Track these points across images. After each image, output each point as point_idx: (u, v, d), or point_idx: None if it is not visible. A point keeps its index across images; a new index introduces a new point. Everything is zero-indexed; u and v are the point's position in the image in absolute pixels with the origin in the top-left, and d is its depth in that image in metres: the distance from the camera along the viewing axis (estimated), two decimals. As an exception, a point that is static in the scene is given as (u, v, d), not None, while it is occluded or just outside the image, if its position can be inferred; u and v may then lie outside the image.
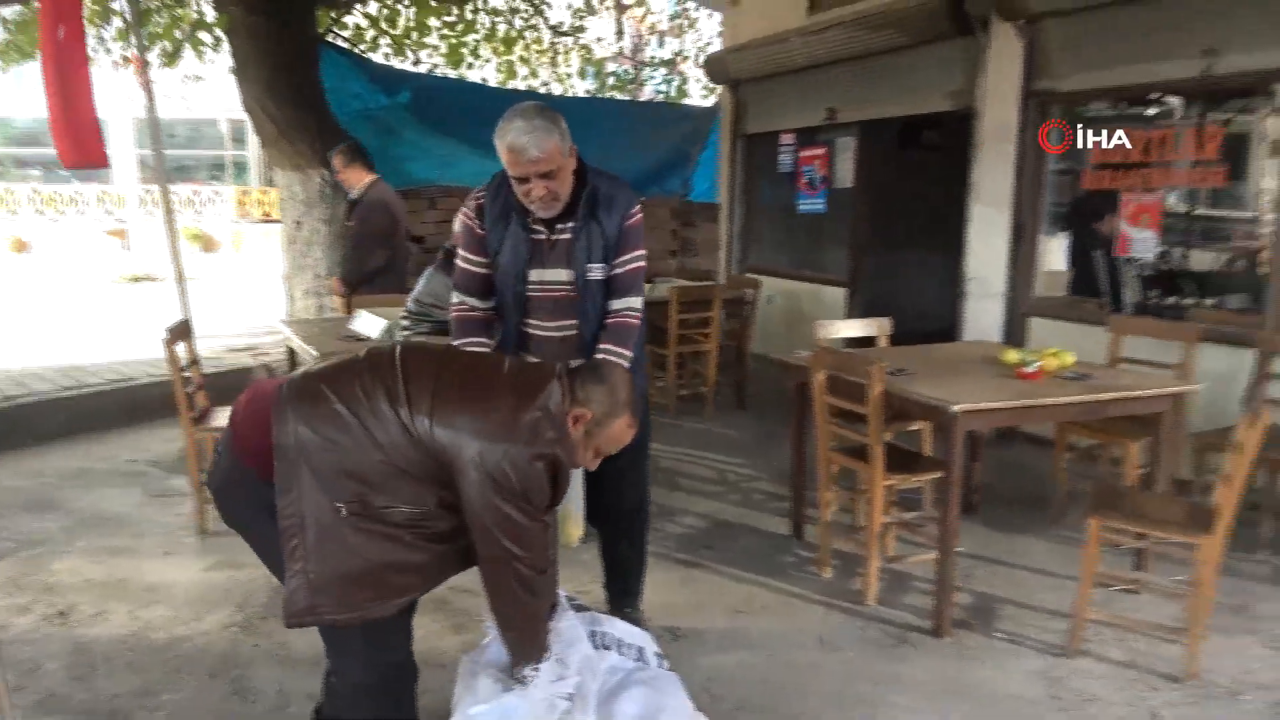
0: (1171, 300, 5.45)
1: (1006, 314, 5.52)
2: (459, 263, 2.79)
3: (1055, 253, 5.54)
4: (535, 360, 2.16)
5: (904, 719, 2.68)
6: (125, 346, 7.20)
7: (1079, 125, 5.33)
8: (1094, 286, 5.25)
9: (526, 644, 2.09)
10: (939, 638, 3.13)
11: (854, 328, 4.42)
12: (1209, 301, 5.26)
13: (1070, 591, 3.15)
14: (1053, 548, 3.92)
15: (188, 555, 3.80)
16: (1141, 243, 4.85)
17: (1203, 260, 5.51)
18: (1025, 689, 2.83)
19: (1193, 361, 4.07)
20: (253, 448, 1.94)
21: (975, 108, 5.59)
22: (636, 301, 2.74)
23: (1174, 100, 5.12)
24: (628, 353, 2.71)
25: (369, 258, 5.34)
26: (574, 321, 2.70)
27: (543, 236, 2.67)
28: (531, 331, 2.73)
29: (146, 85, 4.95)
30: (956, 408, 3.02)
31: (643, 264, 2.76)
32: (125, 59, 6.83)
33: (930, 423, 3.75)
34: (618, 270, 2.70)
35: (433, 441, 1.86)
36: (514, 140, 2.46)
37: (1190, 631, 2.86)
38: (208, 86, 8.28)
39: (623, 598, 3.05)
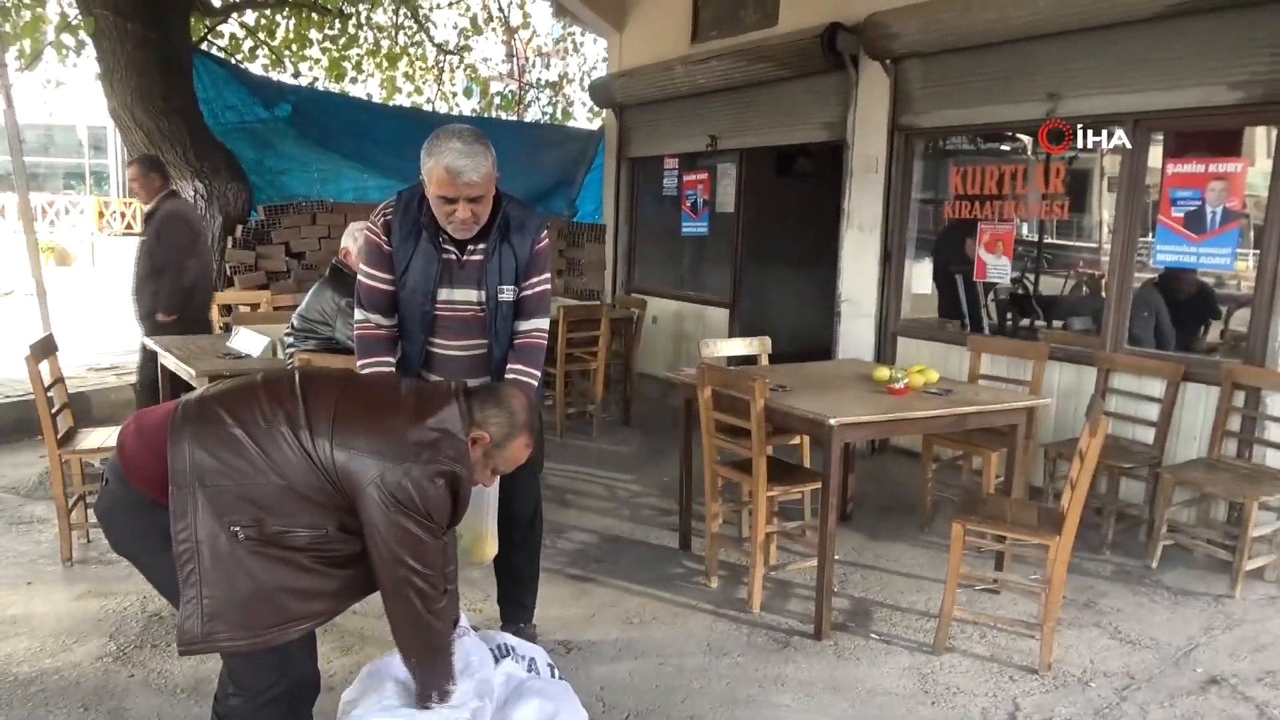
0: (1025, 322, 5.91)
1: (877, 333, 5.83)
2: (363, 280, 2.77)
3: (921, 277, 5.91)
4: (433, 382, 2.18)
5: (787, 716, 2.81)
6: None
7: (943, 159, 5.74)
8: (964, 309, 5.63)
9: (431, 672, 2.10)
10: (819, 640, 3.29)
11: (736, 346, 4.60)
12: (1057, 323, 5.72)
13: (938, 593, 3.36)
14: (921, 552, 4.17)
15: (52, 584, 3.60)
16: (997, 269, 5.24)
17: (1052, 285, 6.00)
18: (899, 685, 3.02)
19: (1041, 378, 4.42)
20: (146, 473, 1.90)
21: (847, 139, 5.91)
22: (544, 323, 2.83)
23: (1026, 138, 5.56)
24: (537, 372, 2.79)
25: (182, 275, 5.13)
26: (482, 341, 2.74)
27: (453, 256, 2.70)
28: (437, 350, 2.75)
29: (5, 89, 4.70)
30: (833, 421, 3.20)
31: (549, 287, 2.85)
32: (-22, 61, 6.43)
33: (809, 436, 3.93)
34: (526, 292, 2.77)
35: (334, 465, 1.86)
36: (452, 162, 2.48)
37: (1044, 626, 3.11)
38: (68, 91, 7.88)
39: (517, 611, 3.08)
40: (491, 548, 2.75)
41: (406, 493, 1.86)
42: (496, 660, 2.37)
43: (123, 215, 17.20)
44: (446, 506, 1.93)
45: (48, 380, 3.81)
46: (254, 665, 1.99)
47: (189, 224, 5.22)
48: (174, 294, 5.13)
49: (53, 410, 3.77)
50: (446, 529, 1.99)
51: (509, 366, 2.74)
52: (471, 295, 2.72)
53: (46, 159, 20.52)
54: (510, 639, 2.51)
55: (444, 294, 2.72)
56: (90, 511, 3.98)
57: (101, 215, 17.57)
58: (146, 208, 5.14)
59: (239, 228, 6.45)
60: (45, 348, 3.94)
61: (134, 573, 3.60)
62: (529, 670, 2.45)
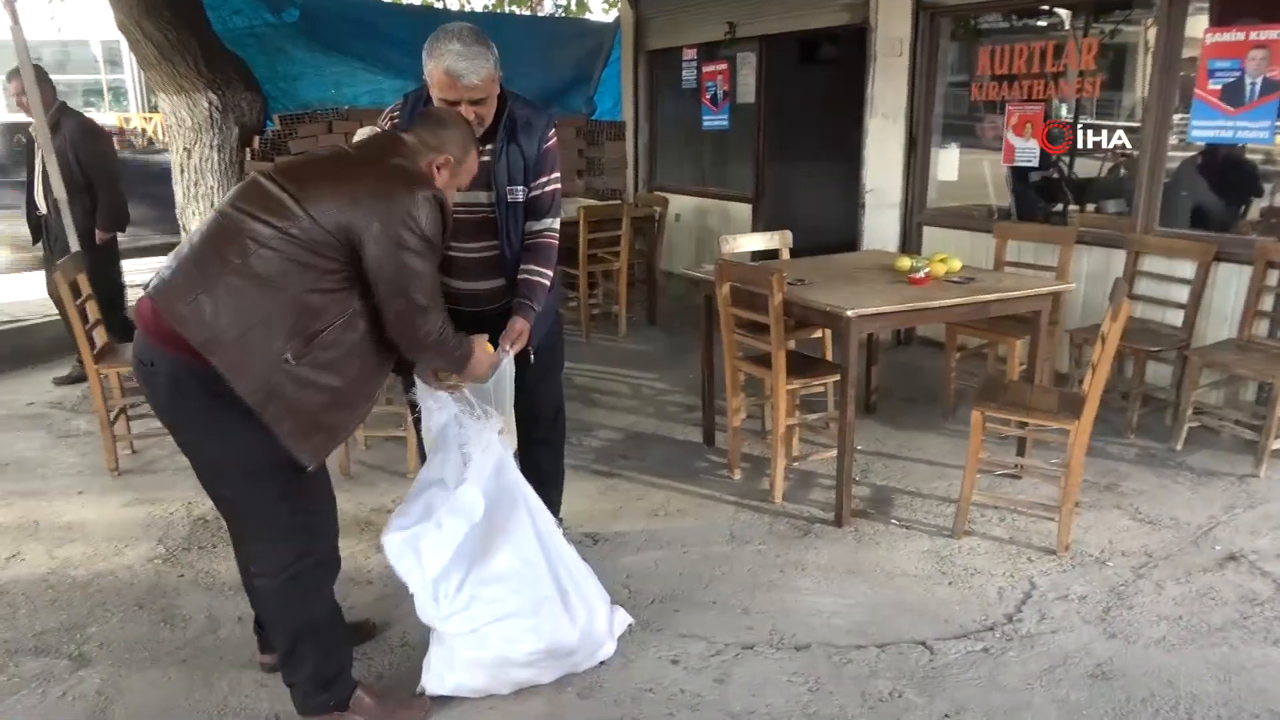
0: (1058, 206, 5.76)
1: (902, 223, 5.74)
2: None
3: (948, 164, 5.75)
4: (377, 132, 2.32)
5: (808, 598, 2.90)
6: (10, 287, 6.87)
7: (971, 38, 5.51)
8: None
9: (450, 361, 2.30)
10: (840, 527, 3.37)
11: (756, 241, 4.55)
12: (1091, 207, 5.57)
13: (959, 479, 3.40)
14: (944, 441, 4.21)
15: (102, 493, 3.76)
16: (1025, 152, 5.09)
17: (1087, 167, 5.81)
18: (917, 566, 3.10)
19: (1069, 263, 4.35)
20: (176, 340, 1.94)
21: (870, 21, 5.69)
22: (555, 222, 2.82)
23: (1063, 12, 5.31)
24: (549, 272, 2.79)
25: (115, 187, 5.05)
26: (493, 242, 2.74)
27: None
28: (452, 254, 2.75)
29: (9, 3, 4.65)
30: (850, 312, 3.19)
31: (559, 185, 2.83)
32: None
33: (829, 329, 3.93)
34: (536, 192, 2.75)
35: (335, 228, 1.96)
36: (452, 65, 2.44)
37: (1062, 508, 3.15)
38: (77, 5, 7.77)
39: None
40: (511, 441, 2.81)
41: (406, 225, 1.98)
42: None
43: (143, 131, 17.14)
44: (438, 225, 2.06)
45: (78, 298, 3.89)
46: (270, 549, 2.13)
47: (105, 135, 5.11)
48: (113, 207, 5.04)
49: (86, 327, 3.87)
50: (440, 250, 2.12)
51: (521, 267, 2.74)
52: (481, 196, 2.70)
53: (65, 76, 20.36)
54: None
55: (455, 196, 2.71)
56: (132, 424, 4.14)
57: (122, 131, 17.51)
58: (38, 121, 4.83)
59: (255, 139, 6.42)
60: (74, 265, 4.02)
61: (178, 480, 3.80)
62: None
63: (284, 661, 2.25)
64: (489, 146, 2.67)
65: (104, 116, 17.93)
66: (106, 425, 3.89)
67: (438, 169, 2.16)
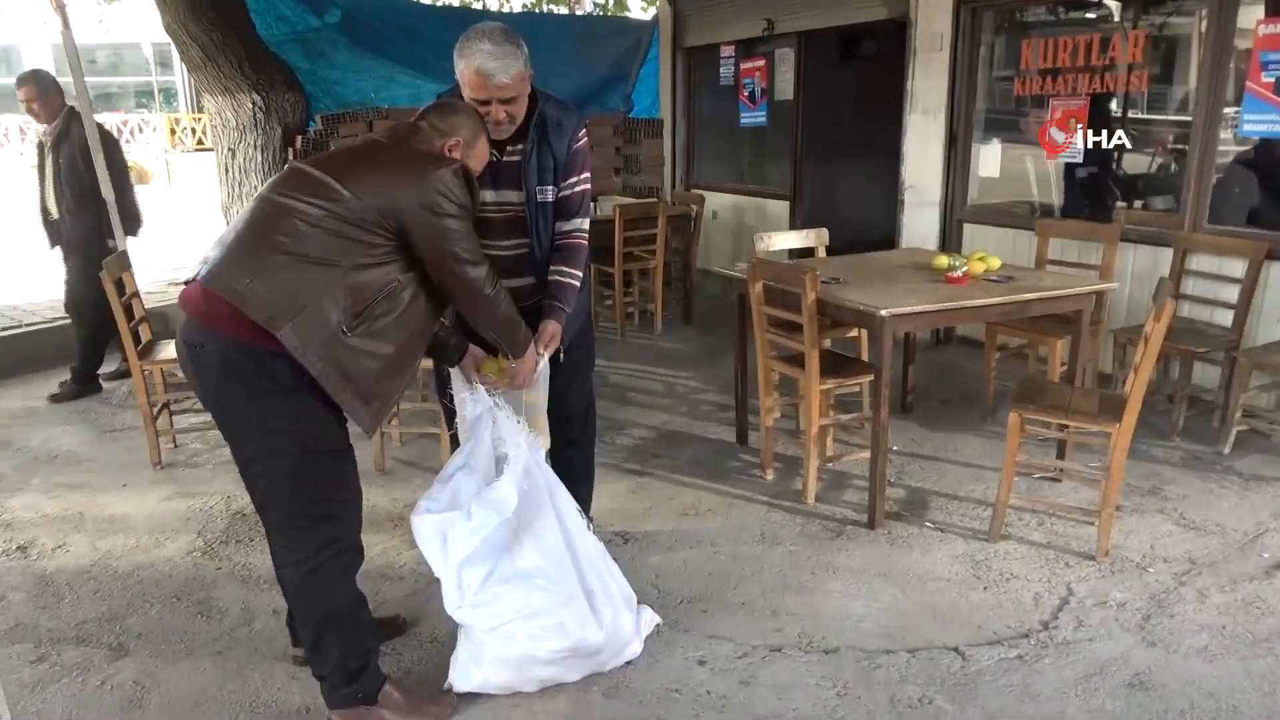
0: (1106, 203, 5.62)
1: (942, 221, 5.65)
2: None
3: (989, 160, 5.65)
4: (398, 123, 2.38)
5: (838, 601, 2.87)
6: (61, 285, 7.04)
7: (1013, 32, 5.41)
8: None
9: (509, 338, 2.44)
10: (873, 529, 3.32)
11: (791, 239, 4.52)
12: (1138, 204, 5.44)
13: (997, 483, 3.34)
14: (983, 443, 4.13)
15: (144, 487, 3.85)
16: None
17: (1134, 163, 5.67)
18: (951, 571, 3.05)
19: (1113, 261, 4.25)
20: (240, 322, 2.01)
21: (910, 15, 5.61)
22: (584, 223, 2.83)
23: (1111, 4, 5.19)
24: (579, 272, 2.80)
25: (131, 192, 5.06)
26: (524, 240, 2.76)
27: (494, 158, 2.70)
28: (485, 251, 2.78)
29: (60, 7, 4.77)
30: (884, 312, 3.14)
31: (588, 186, 2.84)
32: (35, -19, 6.51)
33: (862, 328, 3.88)
34: (566, 193, 2.76)
35: (378, 207, 2.07)
36: (482, 64, 2.47)
37: (1103, 512, 3.08)
38: (126, 8, 7.95)
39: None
40: (544, 438, 2.82)
41: (441, 195, 2.11)
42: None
43: (193, 131, 17.53)
44: (466, 193, 2.19)
45: (124, 295, 3.98)
46: (297, 538, 2.18)
47: (116, 141, 5.10)
48: (129, 212, 5.05)
49: (131, 323, 3.95)
50: (472, 212, 2.23)
51: (551, 267, 2.76)
52: (512, 195, 2.72)
53: (118, 78, 20.92)
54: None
55: (486, 195, 2.72)
56: (175, 419, 4.23)
57: (173, 132, 17.92)
58: (48, 126, 4.92)
59: (298, 139, 6.51)
60: (120, 263, 4.11)
61: (218, 474, 3.87)
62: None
63: (310, 653, 2.29)
64: (519, 146, 2.68)
65: (156, 118, 18.37)
66: (150, 420, 3.97)
67: (449, 150, 2.28)
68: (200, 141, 16.90)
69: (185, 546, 3.30)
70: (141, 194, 5.87)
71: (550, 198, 2.73)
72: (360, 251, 2.06)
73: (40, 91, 4.87)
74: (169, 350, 4.09)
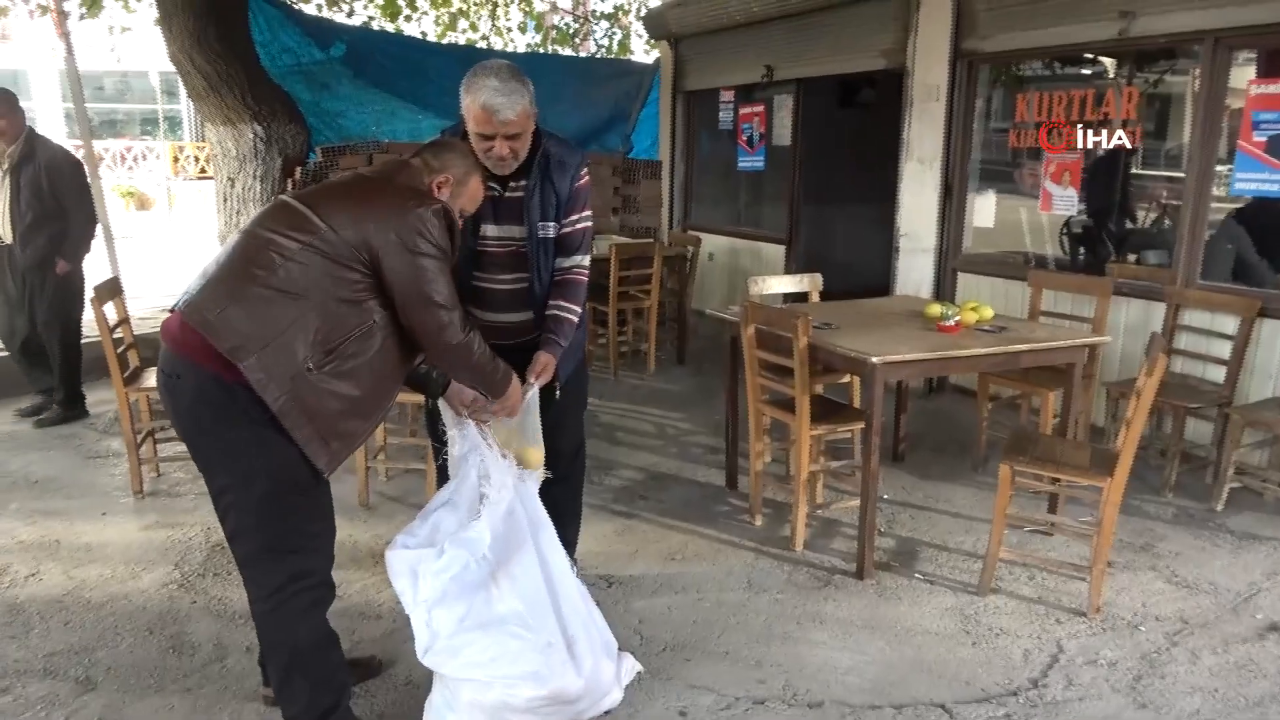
0: (1096, 256, 5.66)
1: (936, 269, 5.67)
2: None
3: (984, 210, 5.69)
4: (388, 160, 2.40)
5: (824, 653, 2.81)
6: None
7: (1008, 85, 5.48)
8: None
9: (484, 382, 2.39)
10: (861, 579, 3.27)
11: (785, 283, 4.52)
12: (1131, 258, 5.47)
13: (988, 534, 3.30)
14: (974, 493, 4.10)
15: (124, 515, 3.79)
16: (1064, 200, 5.01)
17: (1127, 218, 5.71)
18: (939, 625, 2.99)
19: (1105, 314, 4.25)
20: (211, 353, 2.01)
21: (907, 66, 5.67)
22: (584, 259, 2.85)
23: (1107, 61, 5.26)
24: (578, 308, 2.82)
25: (90, 220, 4.95)
26: (524, 275, 2.76)
27: (496, 193, 2.71)
28: (483, 285, 2.77)
29: (64, 36, 4.81)
30: (875, 359, 3.13)
31: (590, 224, 2.87)
32: (41, 8, 6.58)
33: (854, 374, 3.86)
34: (567, 229, 2.78)
35: (357, 242, 2.07)
36: (488, 100, 2.48)
37: (1094, 568, 3.04)
38: (136, 37, 8.02)
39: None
40: (538, 454, 2.78)
41: (418, 233, 2.10)
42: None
43: (196, 159, 17.62)
44: (446, 235, 2.17)
45: (113, 321, 3.96)
46: (264, 570, 2.15)
47: (80, 165, 5.00)
48: (78, 238, 4.87)
49: (119, 350, 3.92)
50: (450, 256, 2.21)
51: (550, 302, 2.77)
52: (515, 230, 2.73)
53: (124, 105, 21.05)
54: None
55: (488, 229, 2.73)
56: (159, 447, 4.18)
57: (176, 159, 18.02)
58: (11, 147, 4.73)
59: (298, 170, 6.54)
60: (111, 289, 4.09)
61: (200, 505, 3.81)
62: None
63: (279, 693, 2.25)
64: (523, 182, 2.70)
65: (160, 145, 18.48)
66: (133, 447, 3.93)
67: (438, 187, 2.27)
68: (203, 170, 16.97)
69: (162, 578, 3.24)
70: (141, 220, 5.86)
71: (552, 234, 2.74)
72: (335, 286, 2.05)
73: (9, 110, 4.72)
74: (156, 377, 4.05)
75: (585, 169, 2.82)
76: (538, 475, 2.78)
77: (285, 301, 2.02)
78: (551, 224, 2.74)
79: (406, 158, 2.33)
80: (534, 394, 2.64)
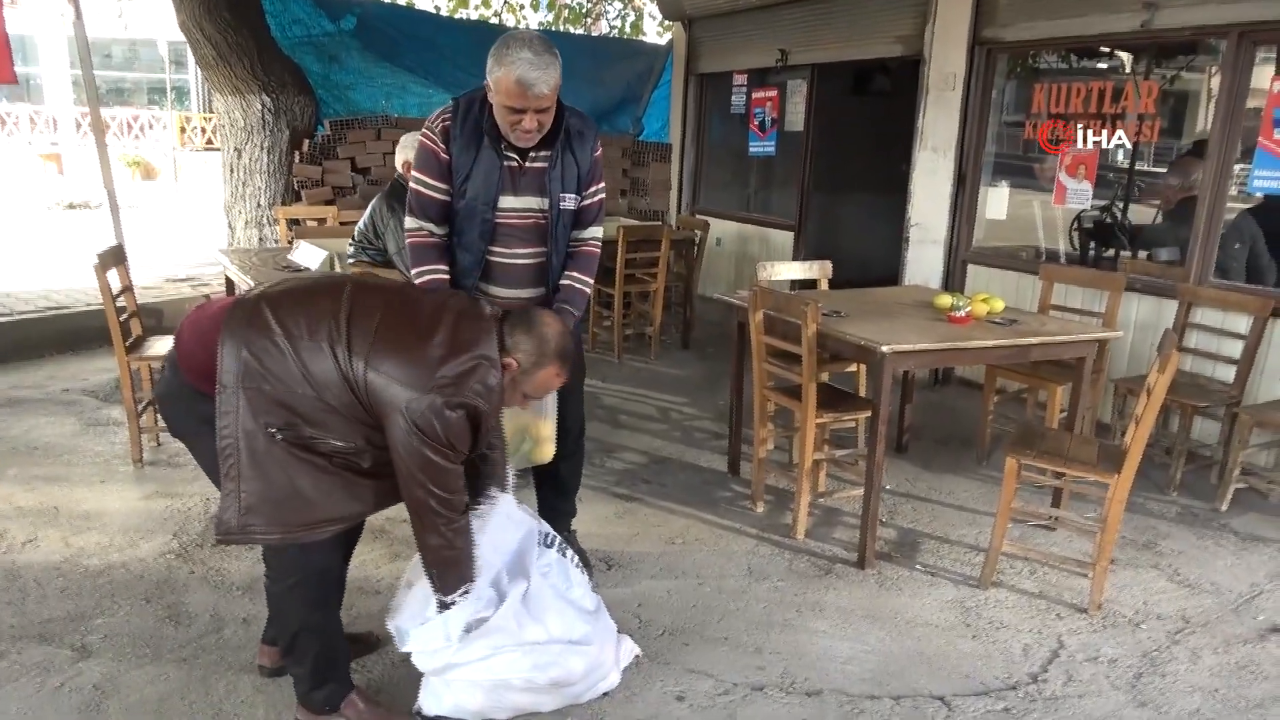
0: (1109, 251, 5.61)
1: (946, 260, 5.63)
2: (415, 187, 2.72)
3: (997, 202, 5.63)
4: (479, 308, 2.16)
5: (823, 642, 2.80)
6: (59, 274, 7.01)
7: (1026, 76, 5.41)
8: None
9: (446, 580, 2.17)
10: (862, 569, 3.26)
11: (795, 270, 4.48)
12: (1143, 253, 5.42)
13: (990, 527, 3.28)
14: (977, 486, 4.07)
15: (123, 484, 3.77)
16: (1078, 194, 4.96)
17: (1143, 214, 5.66)
18: (939, 616, 2.98)
19: (1117, 310, 4.21)
20: (197, 365, 2.01)
21: (924, 54, 5.61)
22: (599, 231, 2.86)
23: (1123, 54, 5.19)
24: (590, 280, 2.84)
25: None
26: (541, 249, 2.74)
27: (515, 163, 2.67)
28: (496, 259, 2.74)
29: (74, 1, 4.76)
30: (885, 348, 3.10)
31: (604, 196, 2.87)
32: (52, -29, 6.51)
33: (862, 363, 3.83)
34: (587, 201, 2.78)
35: (365, 386, 1.93)
36: (524, 74, 2.43)
37: (1096, 565, 3.02)
38: (145, 4, 7.96)
39: (559, 519, 3.11)
40: (550, 449, 2.81)
41: (429, 423, 1.92)
42: (542, 545, 2.42)
43: (203, 130, 17.54)
44: (466, 437, 1.99)
45: (116, 289, 3.93)
46: (278, 554, 2.15)
47: None
48: None
49: (122, 317, 3.90)
50: (467, 456, 2.05)
51: (566, 273, 2.77)
52: (534, 203, 2.70)
53: (131, 74, 20.91)
54: (560, 541, 2.55)
55: (506, 201, 2.69)
56: (160, 417, 4.16)
57: (183, 130, 17.92)
58: None
59: (305, 142, 6.49)
60: (114, 257, 4.06)
61: (199, 475, 3.78)
62: (573, 582, 2.48)
63: (285, 652, 2.29)
64: (545, 153, 2.67)
65: (167, 115, 18.39)
66: (134, 416, 3.91)
67: (503, 369, 2.08)
68: (209, 141, 16.89)
69: (159, 548, 3.23)
70: (146, 190, 5.82)
71: (572, 205, 2.74)
72: (342, 398, 1.94)
73: None
74: (158, 346, 4.03)
75: (599, 140, 2.82)
76: (546, 455, 2.78)
77: (294, 367, 1.93)
78: (572, 195, 2.73)
79: (493, 317, 2.11)
80: None
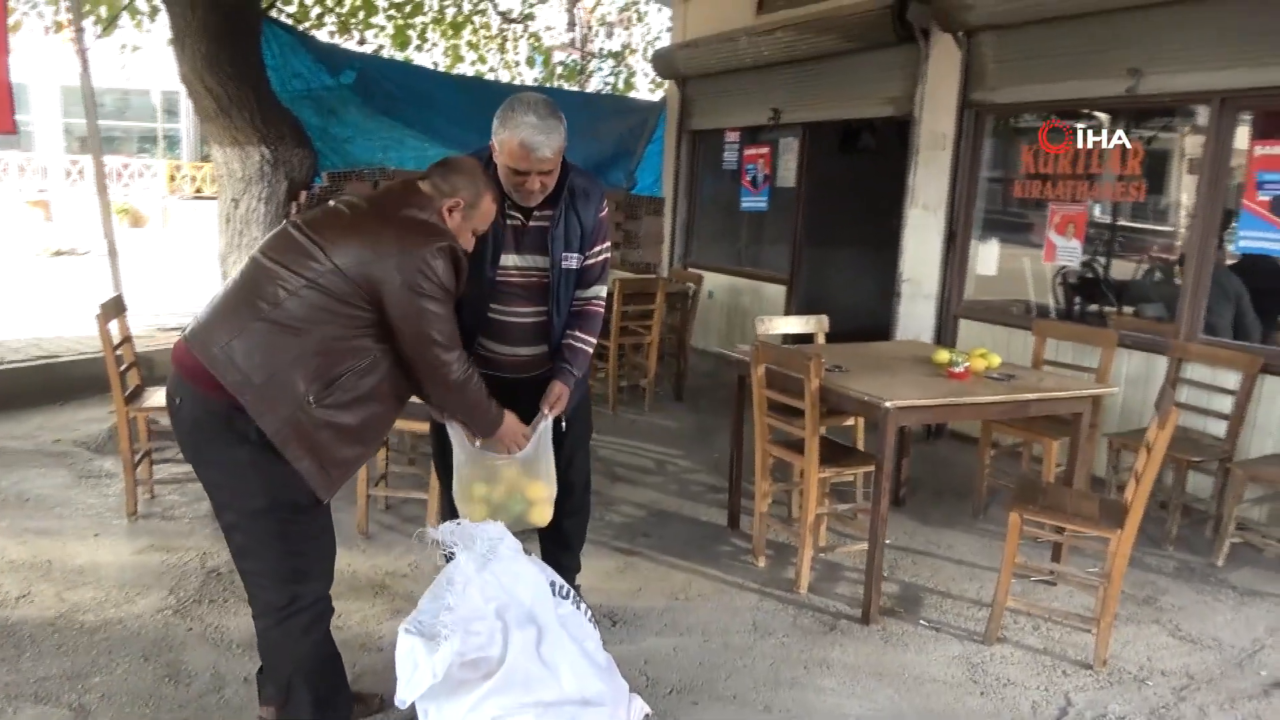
0: (1094, 307, 5.71)
1: (938, 315, 5.70)
2: None
3: (986, 258, 5.74)
4: (398, 182, 2.36)
5: (831, 700, 2.78)
6: (47, 322, 6.97)
7: (1014, 136, 5.55)
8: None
9: (475, 421, 2.48)
10: (867, 624, 3.25)
11: (793, 324, 4.53)
12: (1129, 309, 5.52)
13: (991, 582, 3.29)
14: (975, 540, 4.09)
15: (118, 537, 3.72)
16: (1067, 251, 5.07)
17: (1124, 270, 5.78)
18: (946, 673, 2.97)
19: (1110, 365, 4.27)
20: (207, 376, 2.07)
21: (915, 114, 5.75)
22: (602, 290, 2.87)
23: (1103, 116, 5.35)
24: (593, 339, 2.84)
25: None
26: (542, 308, 2.75)
27: (519, 222, 2.70)
28: (497, 317, 2.74)
29: (81, 53, 4.81)
30: (890, 404, 3.13)
31: (609, 255, 2.89)
32: (57, 24, 6.60)
33: (863, 418, 3.87)
34: (590, 261, 2.79)
35: (359, 277, 2.09)
36: (527, 138, 2.47)
37: (1101, 621, 3.03)
38: (144, 56, 8.05)
39: (564, 573, 3.08)
40: (548, 512, 2.77)
41: (422, 274, 2.11)
42: (558, 595, 2.40)
43: (193, 179, 17.63)
44: (452, 274, 2.19)
45: (116, 339, 3.92)
46: (266, 588, 2.19)
47: None
48: None
49: (121, 368, 3.88)
50: (454, 295, 2.23)
51: (568, 333, 2.77)
52: (537, 260, 2.72)
53: (122, 122, 21.04)
54: (574, 594, 2.53)
55: (508, 259, 2.71)
56: (155, 468, 4.12)
57: (173, 178, 18.01)
58: None
59: (303, 194, 6.54)
60: (115, 307, 4.05)
61: (195, 529, 3.76)
62: (587, 635, 2.45)
63: (283, 708, 2.28)
64: (548, 213, 2.69)
65: (158, 163, 18.48)
66: (130, 467, 3.87)
67: (449, 212, 2.27)
68: (199, 190, 16.97)
69: (156, 604, 3.18)
70: (137, 237, 5.83)
71: (575, 265, 2.74)
72: (337, 321, 2.09)
73: None
74: (155, 397, 4.01)
75: (605, 200, 2.84)
76: (543, 518, 2.74)
77: (287, 335, 2.06)
78: (575, 255, 2.74)
79: (415, 179, 2.33)
80: (547, 425, 2.63)
